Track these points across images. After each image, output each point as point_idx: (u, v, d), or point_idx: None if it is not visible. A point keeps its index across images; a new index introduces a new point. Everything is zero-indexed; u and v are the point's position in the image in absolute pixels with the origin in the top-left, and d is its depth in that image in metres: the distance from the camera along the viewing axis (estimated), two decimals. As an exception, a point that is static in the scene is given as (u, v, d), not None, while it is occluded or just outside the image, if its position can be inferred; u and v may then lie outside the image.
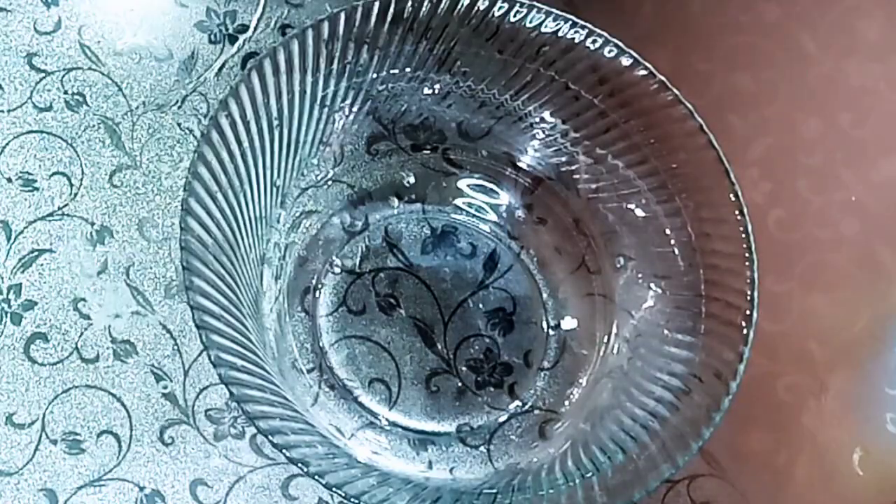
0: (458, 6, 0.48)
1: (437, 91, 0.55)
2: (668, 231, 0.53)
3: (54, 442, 0.54)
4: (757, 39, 0.60)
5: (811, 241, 0.58)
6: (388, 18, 0.49)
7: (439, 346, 0.57)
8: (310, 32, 0.47)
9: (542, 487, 0.49)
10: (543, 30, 0.49)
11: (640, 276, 0.55)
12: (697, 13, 0.60)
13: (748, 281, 0.48)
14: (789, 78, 0.59)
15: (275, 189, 0.53)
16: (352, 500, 0.44)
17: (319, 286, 0.57)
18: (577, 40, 0.49)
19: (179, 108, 0.58)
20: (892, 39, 0.59)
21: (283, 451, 0.45)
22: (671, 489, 0.55)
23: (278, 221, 0.55)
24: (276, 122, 0.51)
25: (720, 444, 0.50)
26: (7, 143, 0.57)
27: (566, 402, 0.57)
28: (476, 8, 0.48)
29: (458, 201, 0.59)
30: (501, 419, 0.57)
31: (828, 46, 0.59)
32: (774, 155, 0.59)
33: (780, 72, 0.60)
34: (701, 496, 0.55)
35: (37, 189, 0.57)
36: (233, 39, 0.58)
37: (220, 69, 0.58)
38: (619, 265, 0.56)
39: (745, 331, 0.48)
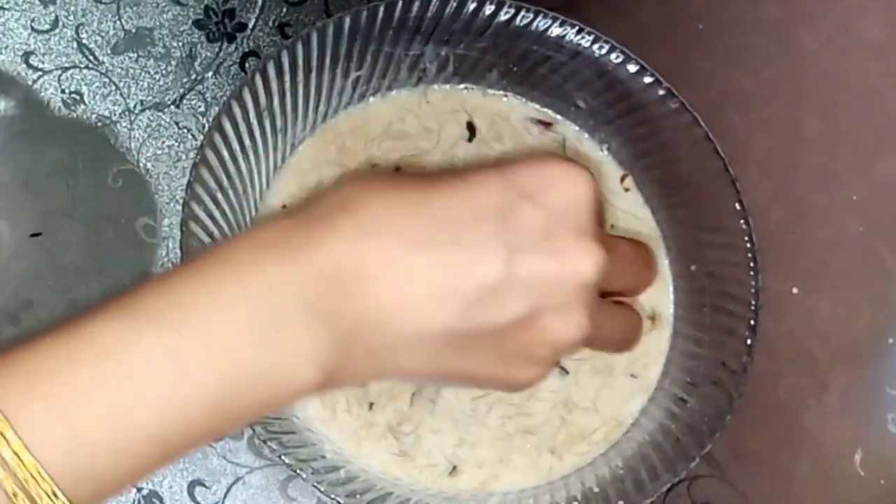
0: (464, 11, 0.48)
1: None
2: (672, 239, 0.53)
3: (53, 444, 0.54)
4: (758, 38, 0.60)
5: (812, 240, 0.58)
6: (393, 22, 0.48)
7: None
8: (314, 36, 0.47)
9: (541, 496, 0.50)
10: (549, 35, 0.49)
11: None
12: (697, 11, 0.60)
13: (752, 291, 0.48)
14: (790, 77, 0.59)
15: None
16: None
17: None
18: (583, 46, 0.49)
19: (177, 107, 0.57)
20: (893, 38, 0.59)
21: (281, 456, 0.45)
22: (671, 490, 0.55)
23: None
24: (279, 125, 0.50)
25: (720, 445, 0.50)
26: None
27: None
28: (482, 13, 0.48)
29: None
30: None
31: (829, 45, 0.59)
32: (775, 154, 0.59)
33: (781, 70, 0.59)
34: (701, 497, 0.55)
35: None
36: (231, 38, 0.58)
37: (219, 68, 0.57)
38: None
39: (748, 341, 0.48)
